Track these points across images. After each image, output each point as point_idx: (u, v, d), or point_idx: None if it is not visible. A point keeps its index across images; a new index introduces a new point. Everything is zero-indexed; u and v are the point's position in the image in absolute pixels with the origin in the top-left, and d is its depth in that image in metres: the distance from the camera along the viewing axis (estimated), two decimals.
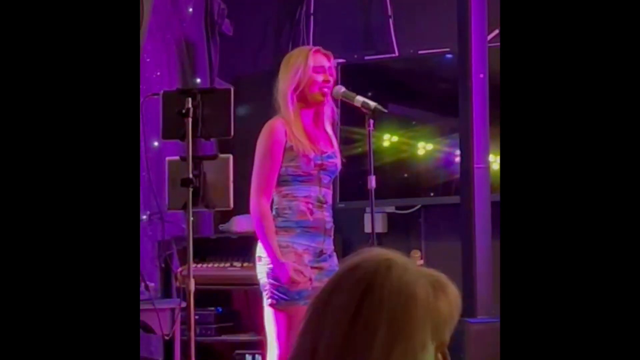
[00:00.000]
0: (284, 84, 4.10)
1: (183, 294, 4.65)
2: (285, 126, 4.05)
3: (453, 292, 1.54)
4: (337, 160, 4.18)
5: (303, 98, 4.10)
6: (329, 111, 4.18)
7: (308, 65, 4.10)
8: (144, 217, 5.82)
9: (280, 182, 4.07)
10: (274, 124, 4.07)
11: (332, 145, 4.18)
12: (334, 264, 4.09)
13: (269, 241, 4.00)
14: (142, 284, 4.88)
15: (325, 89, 4.12)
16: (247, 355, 6.03)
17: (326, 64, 4.16)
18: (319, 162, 4.08)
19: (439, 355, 1.51)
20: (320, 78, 4.11)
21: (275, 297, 3.95)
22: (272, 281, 3.97)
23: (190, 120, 4.31)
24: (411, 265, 1.53)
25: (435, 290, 1.52)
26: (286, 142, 4.04)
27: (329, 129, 4.18)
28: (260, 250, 4.05)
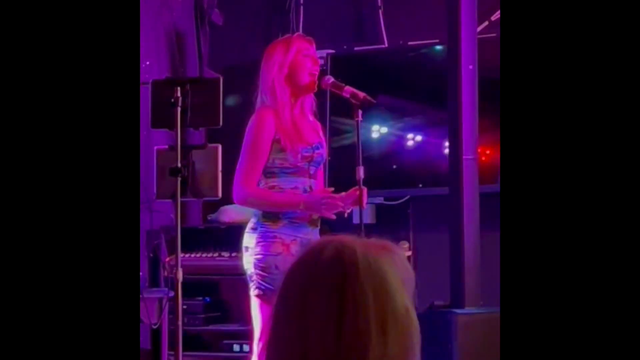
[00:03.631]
0: (270, 72, 4.07)
1: (171, 284, 4.65)
2: (274, 117, 4.03)
3: (400, 252, 1.56)
4: (324, 151, 4.17)
5: (294, 87, 4.07)
6: (310, 100, 4.16)
7: (291, 50, 4.08)
8: None
9: (267, 174, 4.05)
10: (264, 115, 4.04)
11: (318, 136, 4.16)
12: None
13: (280, 201, 4.00)
14: None
15: (315, 75, 4.10)
16: (234, 345, 6.03)
17: (311, 48, 4.14)
18: (307, 154, 4.06)
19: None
20: (308, 63, 4.09)
21: (262, 287, 3.94)
22: (259, 271, 3.96)
23: (179, 109, 4.31)
24: (362, 242, 1.53)
25: (393, 258, 1.53)
26: (275, 133, 4.02)
27: (311, 117, 4.17)
28: (246, 240, 4.04)
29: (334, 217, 4.03)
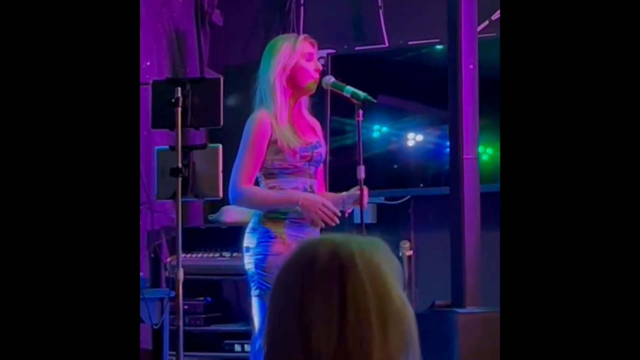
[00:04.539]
0: (273, 71, 4.05)
1: (172, 284, 4.65)
2: (270, 119, 4.02)
3: (387, 246, 1.59)
4: (323, 149, 4.17)
5: (294, 89, 4.07)
6: (306, 98, 4.16)
7: (297, 52, 4.07)
8: None
9: (267, 175, 4.06)
10: (260, 117, 4.03)
11: (315, 134, 4.16)
12: None
13: (278, 198, 4.00)
14: None
15: (316, 81, 4.10)
16: (236, 345, 6.04)
17: (314, 52, 4.14)
18: (306, 153, 4.06)
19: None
20: (311, 66, 4.09)
21: (263, 287, 3.94)
22: (260, 272, 3.96)
23: (179, 109, 4.31)
24: (355, 238, 1.56)
25: (383, 252, 1.56)
26: (271, 135, 4.02)
27: (308, 115, 4.16)
28: (247, 240, 4.04)
29: (322, 225, 4.02)
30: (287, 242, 3.98)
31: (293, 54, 4.05)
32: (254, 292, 3.99)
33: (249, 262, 4.02)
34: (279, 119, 4.02)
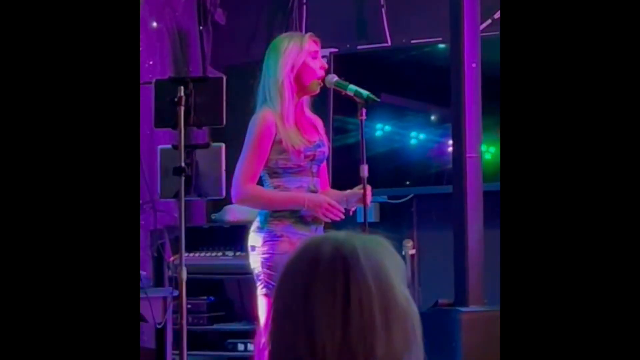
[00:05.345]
0: (282, 70, 4.05)
1: (175, 283, 4.65)
2: (275, 119, 4.02)
3: (390, 245, 1.59)
4: (326, 148, 4.17)
5: (299, 88, 4.07)
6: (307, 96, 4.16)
7: (304, 50, 4.07)
8: None
9: (271, 174, 4.06)
10: (264, 116, 4.03)
11: (317, 132, 4.16)
12: None
13: (279, 201, 4.01)
14: None
15: (320, 79, 4.10)
16: (239, 344, 6.04)
17: (319, 50, 4.14)
18: (309, 153, 4.06)
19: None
20: (317, 64, 4.09)
21: (270, 286, 3.94)
22: (266, 270, 3.96)
23: (182, 108, 4.30)
24: (358, 236, 1.56)
25: (387, 251, 1.56)
26: (275, 135, 4.02)
27: (309, 113, 4.16)
28: (252, 239, 4.04)
29: (328, 220, 4.04)
30: (292, 241, 3.98)
31: (301, 53, 4.05)
32: (261, 291, 3.99)
33: (255, 261, 4.02)
34: (285, 119, 4.01)
